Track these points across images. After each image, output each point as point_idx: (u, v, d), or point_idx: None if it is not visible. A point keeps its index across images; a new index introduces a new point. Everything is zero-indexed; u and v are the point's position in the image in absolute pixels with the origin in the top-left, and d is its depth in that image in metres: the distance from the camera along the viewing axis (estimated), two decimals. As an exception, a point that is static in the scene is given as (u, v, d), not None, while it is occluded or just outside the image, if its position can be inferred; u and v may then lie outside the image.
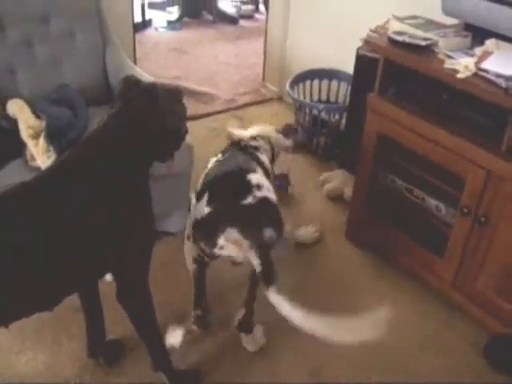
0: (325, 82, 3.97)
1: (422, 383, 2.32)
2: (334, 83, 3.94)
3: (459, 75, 2.24)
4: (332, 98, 4.01)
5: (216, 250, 2.06)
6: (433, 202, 2.57)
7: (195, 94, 4.56)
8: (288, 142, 2.91)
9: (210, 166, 2.41)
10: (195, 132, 4.12)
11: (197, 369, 2.29)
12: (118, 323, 2.39)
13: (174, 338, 2.27)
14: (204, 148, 3.76)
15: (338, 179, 3.47)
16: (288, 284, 2.69)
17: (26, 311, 1.69)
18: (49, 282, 1.66)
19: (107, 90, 3.18)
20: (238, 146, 2.57)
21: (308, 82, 4.01)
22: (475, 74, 2.24)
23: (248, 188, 2.12)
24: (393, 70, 2.54)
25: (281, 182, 3.34)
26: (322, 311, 2.52)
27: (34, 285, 1.62)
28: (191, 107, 4.32)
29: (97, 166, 1.76)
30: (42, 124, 2.66)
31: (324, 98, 4.03)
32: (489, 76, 2.21)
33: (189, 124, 2.06)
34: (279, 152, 2.87)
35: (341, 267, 2.91)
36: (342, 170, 3.52)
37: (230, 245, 2.01)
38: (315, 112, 3.73)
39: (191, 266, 2.33)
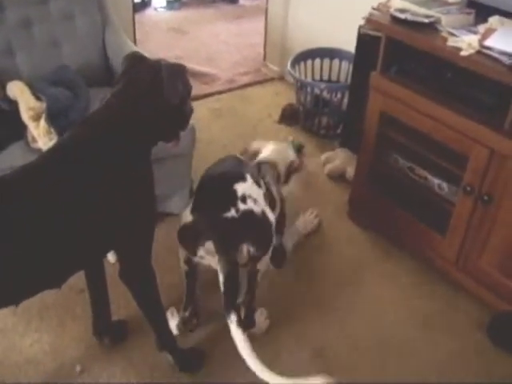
0: (326, 61, 3.94)
1: (426, 364, 2.33)
2: (336, 62, 3.91)
3: (462, 53, 2.22)
4: (334, 77, 3.98)
5: (196, 259, 2.09)
6: (435, 181, 2.56)
7: (196, 75, 4.52)
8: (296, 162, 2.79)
9: None
10: (196, 113, 4.04)
11: (200, 348, 2.30)
12: (121, 306, 2.41)
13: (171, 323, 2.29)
14: (206, 129, 3.77)
15: (340, 159, 3.46)
16: (291, 268, 2.72)
17: (35, 289, 1.70)
18: (55, 259, 1.67)
19: (107, 70, 3.16)
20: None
21: (309, 62, 3.98)
22: (479, 52, 2.22)
23: (233, 199, 2.06)
24: (395, 48, 2.52)
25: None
26: (327, 295, 2.58)
27: (41, 263, 1.63)
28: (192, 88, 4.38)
29: (99, 146, 1.75)
30: (43, 105, 2.63)
31: (326, 77, 4.00)
32: (492, 53, 2.19)
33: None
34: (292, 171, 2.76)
35: (344, 249, 2.90)
36: (344, 150, 3.51)
37: (210, 257, 2.01)
38: (317, 91, 3.71)
39: (183, 267, 2.27)
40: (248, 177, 2.20)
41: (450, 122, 2.35)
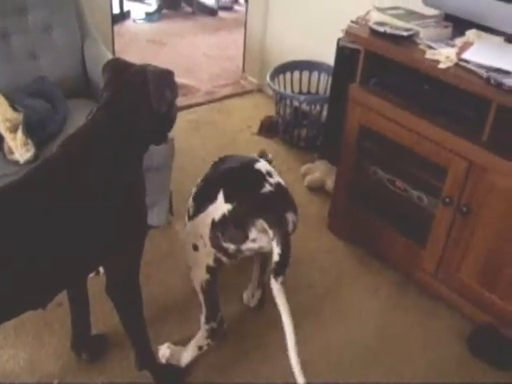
0: (305, 74, 3.97)
1: (407, 376, 2.33)
2: (315, 75, 3.93)
3: (440, 65, 2.24)
4: (313, 90, 4.00)
5: (246, 245, 2.02)
6: (415, 193, 2.58)
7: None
8: None
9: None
10: (175, 125, 4.09)
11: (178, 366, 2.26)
12: (100, 320, 2.38)
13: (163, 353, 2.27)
14: (184, 141, 3.75)
15: (319, 170, 3.47)
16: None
17: (19, 310, 1.65)
18: (42, 279, 1.63)
19: (86, 82, 3.13)
20: None
21: (288, 74, 4.00)
22: (456, 65, 2.25)
23: (261, 176, 2.09)
24: (374, 61, 2.54)
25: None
26: (307, 308, 2.57)
27: (27, 283, 1.58)
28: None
29: (90, 162, 1.71)
30: (20, 117, 2.60)
31: (305, 89, 4.02)
32: (470, 66, 2.22)
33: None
34: None
35: (325, 261, 2.90)
36: (324, 161, 3.52)
37: (262, 235, 1.98)
38: (296, 103, 3.73)
39: (203, 277, 2.14)
40: (258, 157, 2.30)
41: (429, 134, 2.37)
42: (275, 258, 1.92)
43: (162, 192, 2.88)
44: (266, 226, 1.94)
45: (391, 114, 2.50)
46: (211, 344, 2.24)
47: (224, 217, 2.01)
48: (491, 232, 2.30)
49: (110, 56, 3.12)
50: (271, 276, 1.91)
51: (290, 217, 2.03)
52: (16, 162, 2.45)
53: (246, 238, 2.00)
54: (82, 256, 1.72)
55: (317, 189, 3.41)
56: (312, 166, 3.53)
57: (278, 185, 2.10)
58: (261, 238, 2.00)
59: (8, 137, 2.55)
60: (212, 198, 2.05)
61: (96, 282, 1.97)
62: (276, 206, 2.03)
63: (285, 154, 3.78)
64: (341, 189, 2.93)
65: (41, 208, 1.60)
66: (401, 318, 2.58)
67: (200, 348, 2.24)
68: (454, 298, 2.55)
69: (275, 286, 1.91)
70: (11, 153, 2.53)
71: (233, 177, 2.17)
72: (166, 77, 1.84)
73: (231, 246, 2.03)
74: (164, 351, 2.26)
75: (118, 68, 1.85)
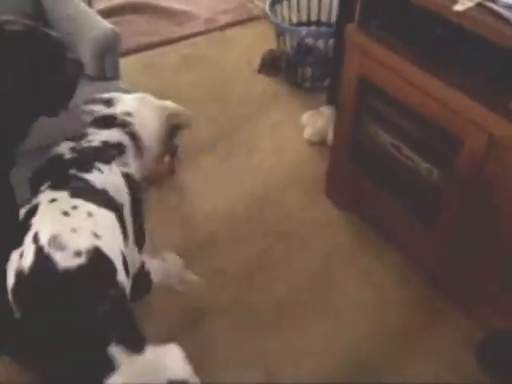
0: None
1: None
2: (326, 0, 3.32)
3: (457, 7, 1.68)
4: (323, 18, 3.39)
5: None
6: (423, 164, 2.07)
7: (169, 13, 3.96)
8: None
9: None
10: (163, 60, 3.59)
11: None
12: None
13: None
14: (172, 80, 3.27)
15: (322, 119, 2.95)
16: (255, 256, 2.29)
17: None
18: None
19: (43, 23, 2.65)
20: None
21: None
22: (479, 5, 1.68)
23: None
24: (377, -5, 1.98)
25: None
26: (295, 296, 2.17)
27: None
28: (161, 30, 3.82)
29: None
30: None
31: (314, 17, 3.41)
32: (496, 7, 1.65)
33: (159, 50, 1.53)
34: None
35: (319, 234, 2.46)
36: (330, 107, 2.99)
37: None
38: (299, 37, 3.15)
39: None
40: None
41: (440, 95, 1.83)
42: None
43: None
44: None
45: (395, 65, 1.96)
46: None
47: None
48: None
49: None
50: None
51: None
52: None
53: None
54: None
55: (318, 143, 2.91)
56: (315, 114, 3.01)
57: None
58: None
59: None
60: None
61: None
62: None
63: (286, 97, 3.25)
64: (339, 149, 2.43)
65: None
66: (398, 314, 2.14)
67: None
68: (464, 296, 2.09)
69: None
70: None
71: None
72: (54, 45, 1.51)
73: None
74: None
75: None
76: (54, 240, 1.37)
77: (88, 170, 1.63)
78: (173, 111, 2.15)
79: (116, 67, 2.48)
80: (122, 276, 1.45)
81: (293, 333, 2.07)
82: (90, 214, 1.49)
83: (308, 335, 2.06)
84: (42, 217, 1.46)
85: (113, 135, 1.82)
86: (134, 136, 1.87)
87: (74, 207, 1.48)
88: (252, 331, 2.06)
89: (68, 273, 1.34)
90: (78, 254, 1.37)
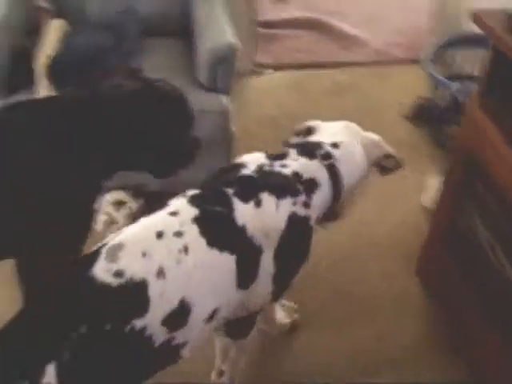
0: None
1: None
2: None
3: None
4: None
5: None
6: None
7: (337, 36, 3.77)
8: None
9: None
10: (313, 85, 3.36)
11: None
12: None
13: None
14: (316, 107, 3.06)
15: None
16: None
17: None
18: None
19: (181, 22, 2.70)
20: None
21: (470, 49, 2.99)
22: None
23: None
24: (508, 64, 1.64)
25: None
26: None
27: None
28: (323, 51, 3.62)
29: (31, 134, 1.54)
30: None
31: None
32: None
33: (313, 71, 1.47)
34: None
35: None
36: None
37: None
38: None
39: None
40: None
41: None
42: None
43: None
44: None
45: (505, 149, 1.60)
46: None
47: None
48: None
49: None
50: None
51: None
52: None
53: None
54: None
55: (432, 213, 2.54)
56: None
57: None
58: None
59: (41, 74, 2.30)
60: None
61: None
62: None
63: (423, 152, 2.90)
64: (435, 228, 2.09)
65: None
66: None
67: None
68: None
69: None
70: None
71: None
72: (175, 99, 1.66)
73: None
74: None
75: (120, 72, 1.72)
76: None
77: (247, 199, 1.40)
78: (387, 152, 1.73)
79: (227, 81, 2.38)
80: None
81: None
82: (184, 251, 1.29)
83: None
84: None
85: (309, 169, 1.52)
86: (334, 174, 1.55)
87: (178, 233, 1.31)
88: None
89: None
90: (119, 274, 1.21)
